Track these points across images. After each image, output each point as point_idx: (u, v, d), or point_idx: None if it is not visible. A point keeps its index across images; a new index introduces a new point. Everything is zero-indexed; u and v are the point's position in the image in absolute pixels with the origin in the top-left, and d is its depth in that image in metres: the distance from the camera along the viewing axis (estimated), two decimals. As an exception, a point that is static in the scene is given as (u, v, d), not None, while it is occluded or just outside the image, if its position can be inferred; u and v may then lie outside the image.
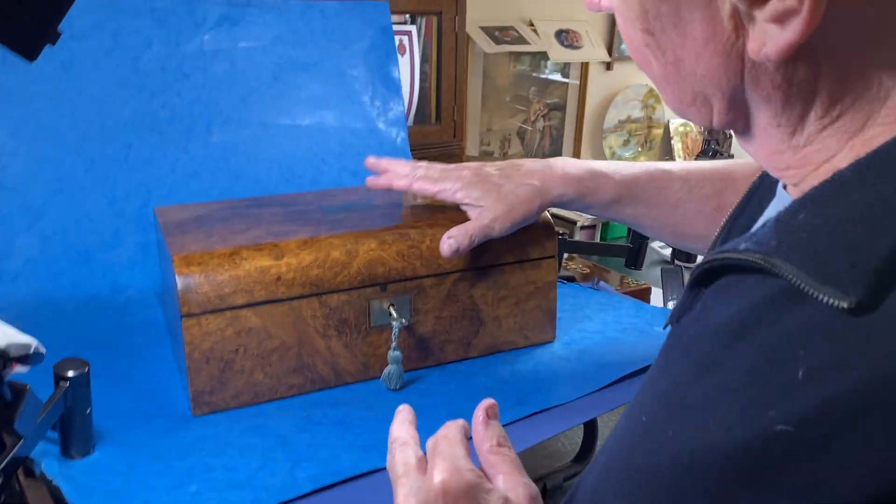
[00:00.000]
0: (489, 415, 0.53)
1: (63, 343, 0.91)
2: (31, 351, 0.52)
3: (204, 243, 0.77)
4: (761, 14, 0.37)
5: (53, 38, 0.43)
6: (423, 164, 0.86)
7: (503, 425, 0.74)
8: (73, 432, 0.67)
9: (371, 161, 0.89)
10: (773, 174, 0.44)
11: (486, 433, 0.51)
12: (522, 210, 0.80)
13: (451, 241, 0.79)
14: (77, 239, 1.04)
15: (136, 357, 0.88)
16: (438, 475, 0.47)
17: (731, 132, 0.45)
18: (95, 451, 0.69)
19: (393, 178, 0.86)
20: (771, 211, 0.46)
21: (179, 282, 0.73)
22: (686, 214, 0.80)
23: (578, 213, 0.84)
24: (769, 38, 0.37)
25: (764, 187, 0.52)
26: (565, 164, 0.82)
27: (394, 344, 0.79)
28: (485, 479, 0.47)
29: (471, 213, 0.82)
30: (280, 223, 0.84)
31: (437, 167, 0.85)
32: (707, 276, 0.43)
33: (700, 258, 0.52)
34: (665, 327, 0.49)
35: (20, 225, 1.01)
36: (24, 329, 0.97)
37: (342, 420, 0.75)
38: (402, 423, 0.56)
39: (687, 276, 1.07)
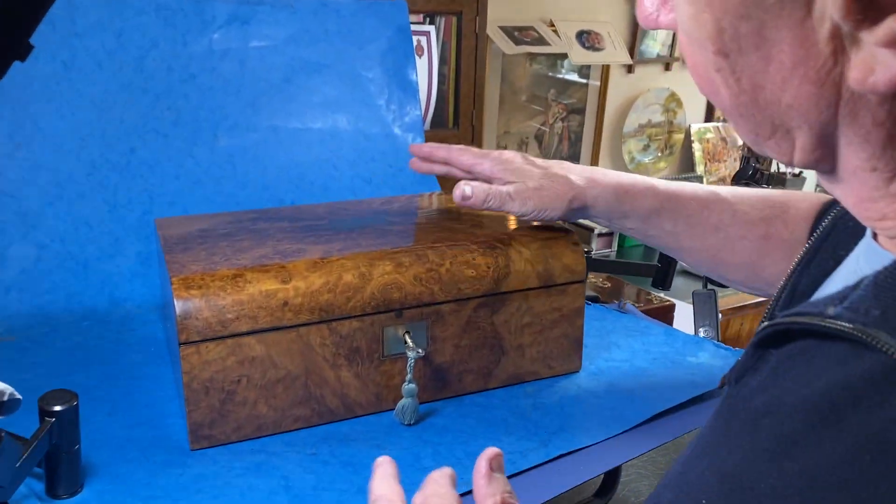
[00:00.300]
0: (493, 467, 0.46)
1: (57, 360, 0.86)
2: (5, 399, 0.46)
3: (205, 263, 0.72)
4: (871, 36, 0.30)
5: (23, 53, 0.37)
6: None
7: (525, 470, 0.69)
8: (60, 471, 0.62)
9: (414, 147, 0.88)
10: (865, 223, 0.38)
11: (488, 489, 0.45)
12: (551, 197, 0.76)
13: (467, 187, 0.76)
14: (75, 248, 0.98)
15: (134, 377, 0.83)
16: None
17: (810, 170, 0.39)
18: (84, 490, 0.64)
19: (434, 148, 0.85)
20: (861, 265, 0.40)
21: (178, 306, 0.67)
22: (728, 238, 0.75)
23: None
24: (879, 65, 0.31)
25: (838, 231, 0.45)
26: (607, 171, 0.80)
27: (409, 376, 0.73)
28: None
29: (499, 185, 0.78)
30: (288, 241, 0.78)
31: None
32: (779, 338, 0.37)
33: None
34: (720, 387, 0.44)
35: (15, 232, 0.96)
36: (17, 343, 0.93)
37: (351, 460, 0.69)
38: (384, 479, 0.50)
39: (720, 301, 1.01)
